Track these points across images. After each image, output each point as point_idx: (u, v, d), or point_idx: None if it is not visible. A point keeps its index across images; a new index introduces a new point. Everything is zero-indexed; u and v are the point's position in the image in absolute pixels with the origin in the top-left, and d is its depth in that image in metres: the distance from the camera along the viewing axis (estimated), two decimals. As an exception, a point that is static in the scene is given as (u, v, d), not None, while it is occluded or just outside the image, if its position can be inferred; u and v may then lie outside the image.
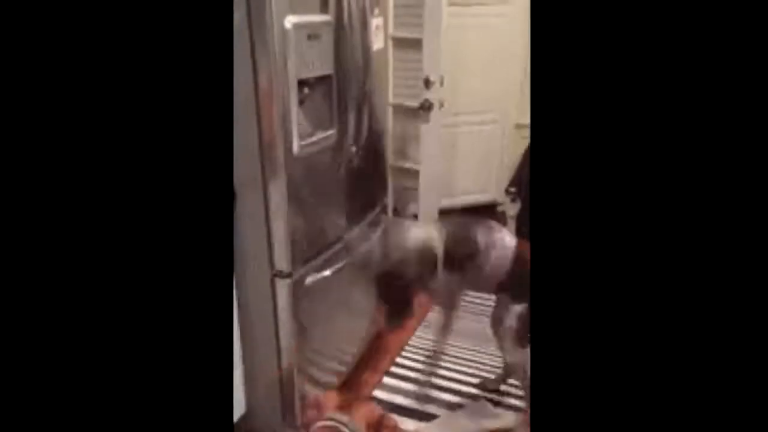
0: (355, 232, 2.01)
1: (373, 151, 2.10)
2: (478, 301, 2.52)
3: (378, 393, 2.12)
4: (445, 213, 3.27)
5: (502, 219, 3.41)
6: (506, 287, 1.77)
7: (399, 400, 2.08)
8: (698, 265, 0.62)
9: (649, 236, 0.64)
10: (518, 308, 1.76)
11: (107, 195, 0.70)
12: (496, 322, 1.84)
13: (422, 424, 1.94)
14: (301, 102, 1.56)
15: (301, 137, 1.57)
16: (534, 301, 0.75)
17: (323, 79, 1.65)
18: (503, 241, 1.76)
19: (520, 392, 2.05)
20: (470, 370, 2.24)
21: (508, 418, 1.97)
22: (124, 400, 0.70)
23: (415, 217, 3.21)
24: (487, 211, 3.51)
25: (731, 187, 0.62)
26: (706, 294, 0.61)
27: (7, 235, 0.65)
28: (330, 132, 1.72)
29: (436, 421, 1.96)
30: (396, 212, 3.26)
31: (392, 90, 3.05)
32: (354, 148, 1.85)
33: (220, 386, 0.77)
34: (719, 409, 0.59)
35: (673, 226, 0.63)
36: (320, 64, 1.60)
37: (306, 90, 1.59)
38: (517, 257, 1.73)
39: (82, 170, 0.68)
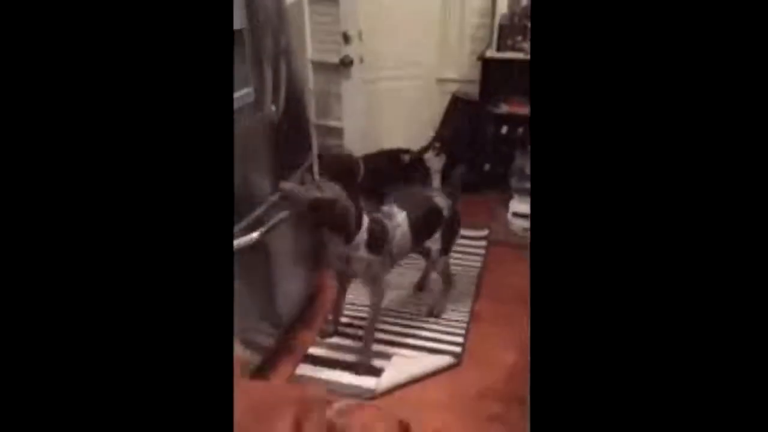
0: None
1: (294, 109, 2.05)
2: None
3: (313, 350, 2.16)
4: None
5: (426, 173, 3.46)
6: None
7: (337, 356, 2.13)
8: (698, 263, 0.60)
9: (650, 235, 0.61)
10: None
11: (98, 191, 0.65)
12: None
13: (374, 379, 2.00)
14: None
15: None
16: (534, 302, 0.74)
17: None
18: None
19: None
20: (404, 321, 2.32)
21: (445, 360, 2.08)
22: (120, 397, 0.64)
23: (342, 175, 3.19)
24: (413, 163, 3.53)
25: (732, 184, 0.59)
26: (707, 293, 0.59)
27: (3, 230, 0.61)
28: (246, 90, 1.66)
29: (385, 374, 2.02)
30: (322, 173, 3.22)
31: (312, 46, 2.96)
32: (274, 107, 1.80)
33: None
34: (719, 409, 0.58)
35: (675, 226, 0.61)
36: (230, 19, 1.53)
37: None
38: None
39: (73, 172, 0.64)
